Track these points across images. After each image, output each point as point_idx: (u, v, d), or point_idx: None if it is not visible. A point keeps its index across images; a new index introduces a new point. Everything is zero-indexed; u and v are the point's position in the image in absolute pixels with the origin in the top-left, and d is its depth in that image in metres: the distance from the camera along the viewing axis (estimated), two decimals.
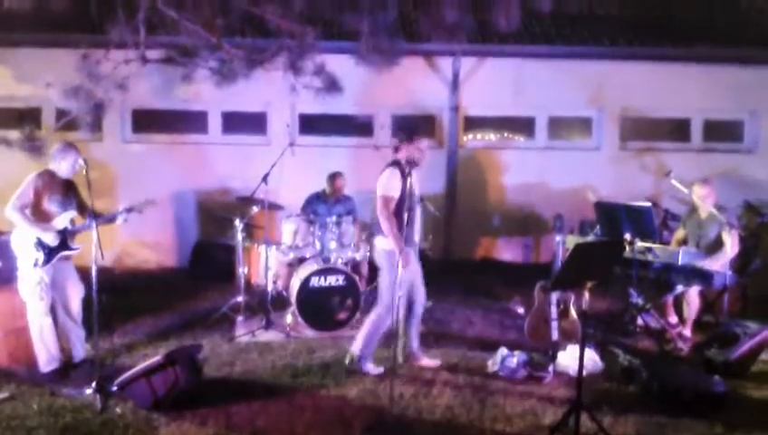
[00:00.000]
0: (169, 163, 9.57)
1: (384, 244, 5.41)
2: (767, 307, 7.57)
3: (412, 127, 5.43)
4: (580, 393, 4.33)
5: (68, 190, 5.43)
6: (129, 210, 5.51)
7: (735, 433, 4.57)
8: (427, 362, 5.77)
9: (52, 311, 5.39)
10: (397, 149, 5.56)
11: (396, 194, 5.32)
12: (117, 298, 7.30)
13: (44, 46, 8.95)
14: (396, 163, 5.44)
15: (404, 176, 5.27)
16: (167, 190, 9.50)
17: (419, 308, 5.68)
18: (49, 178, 5.31)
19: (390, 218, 5.28)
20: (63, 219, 5.32)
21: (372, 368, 5.57)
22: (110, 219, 5.49)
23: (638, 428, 4.62)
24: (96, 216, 5.12)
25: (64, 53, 7.56)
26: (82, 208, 5.55)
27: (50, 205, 5.27)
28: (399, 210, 5.27)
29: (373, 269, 7.55)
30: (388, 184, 5.35)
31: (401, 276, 4.96)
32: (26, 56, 9.05)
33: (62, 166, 5.32)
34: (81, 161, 5.20)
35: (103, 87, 7.62)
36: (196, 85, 8.45)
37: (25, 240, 5.21)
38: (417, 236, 5.67)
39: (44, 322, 5.30)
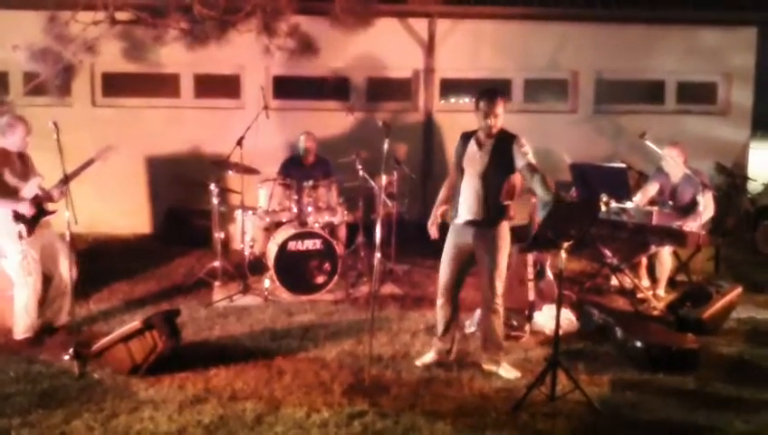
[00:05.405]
0: (141, 128, 9.39)
1: None
2: (738, 266, 7.75)
3: (488, 89, 5.12)
4: (556, 352, 4.39)
5: (23, 162, 5.35)
6: (65, 181, 5.16)
7: (707, 389, 4.67)
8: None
9: (44, 282, 5.34)
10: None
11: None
12: (91, 264, 7.22)
13: (10, 8, 8.65)
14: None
15: (464, 144, 5.20)
16: (139, 156, 9.35)
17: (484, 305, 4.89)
18: (3, 153, 5.24)
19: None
20: (31, 187, 5.28)
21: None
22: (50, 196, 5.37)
23: (612, 385, 4.70)
24: (67, 180, 5.09)
25: (31, 14, 7.35)
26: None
27: (12, 179, 5.21)
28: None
29: (351, 233, 7.58)
30: None
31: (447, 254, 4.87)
32: None
33: (12, 140, 5.26)
34: (27, 137, 5.24)
35: (72, 49, 7.46)
36: (167, 47, 8.29)
37: (2, 217, 5.14)
38: (469, 212, 4.80)
39: (32, 297, 5.26)
